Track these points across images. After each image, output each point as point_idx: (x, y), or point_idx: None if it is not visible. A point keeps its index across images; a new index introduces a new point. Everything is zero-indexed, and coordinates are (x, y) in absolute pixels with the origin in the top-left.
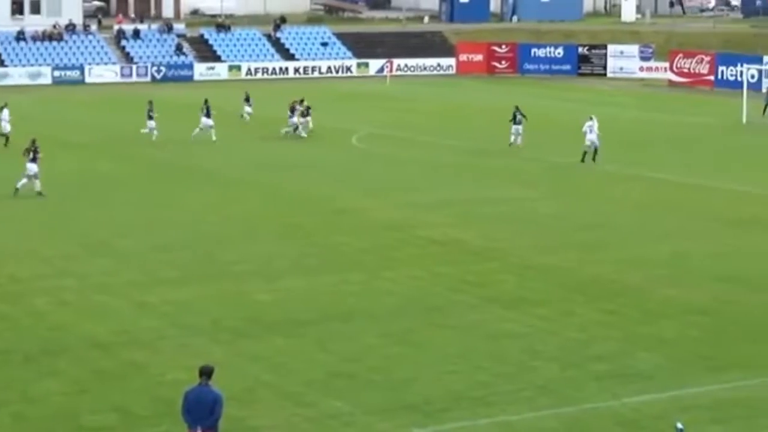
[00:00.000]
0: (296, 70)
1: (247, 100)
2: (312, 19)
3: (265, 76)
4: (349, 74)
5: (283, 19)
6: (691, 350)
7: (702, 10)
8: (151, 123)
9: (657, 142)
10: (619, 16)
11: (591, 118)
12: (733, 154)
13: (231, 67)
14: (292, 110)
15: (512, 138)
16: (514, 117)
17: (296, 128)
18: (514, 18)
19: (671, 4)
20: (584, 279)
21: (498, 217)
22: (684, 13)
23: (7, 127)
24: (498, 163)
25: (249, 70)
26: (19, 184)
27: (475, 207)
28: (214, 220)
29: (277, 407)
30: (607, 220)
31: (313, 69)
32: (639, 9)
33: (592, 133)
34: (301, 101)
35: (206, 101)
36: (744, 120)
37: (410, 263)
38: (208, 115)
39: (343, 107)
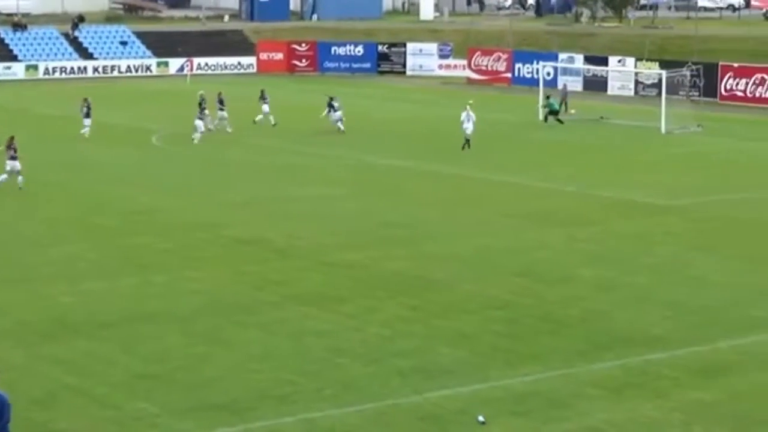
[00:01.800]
0: (95, 70)
1: (263, 98)
2: (111, 18)
3: (64, 75)
4: (149, 73)
5: (81, 18)
6: (491, 344)
7: (499, 8)
8: (87, 120)
9: (456, 139)
10: (418, 14)
11: (467, 107)
12: (529, 150)
13: (28, 67)
14: (221, 102)
15: (337, 125)
16: (332, 107)
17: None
18: (314, 17)
19: (469, 2)
20: (387, 275)
21: (302, 215)
22: (481, 10)
23: None
24: (301, 161)
25: (47, 69)
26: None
27: (279, 205)
28: (15, 223)
29: (81, 410)
30: (409, 217)
31: (113, 68)
32: (437, 7)
33: (469, 121)
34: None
35: (220, 94)
36: (540, 116)
37: (214, 263)
38: (222, 108)
39: (144, 107)
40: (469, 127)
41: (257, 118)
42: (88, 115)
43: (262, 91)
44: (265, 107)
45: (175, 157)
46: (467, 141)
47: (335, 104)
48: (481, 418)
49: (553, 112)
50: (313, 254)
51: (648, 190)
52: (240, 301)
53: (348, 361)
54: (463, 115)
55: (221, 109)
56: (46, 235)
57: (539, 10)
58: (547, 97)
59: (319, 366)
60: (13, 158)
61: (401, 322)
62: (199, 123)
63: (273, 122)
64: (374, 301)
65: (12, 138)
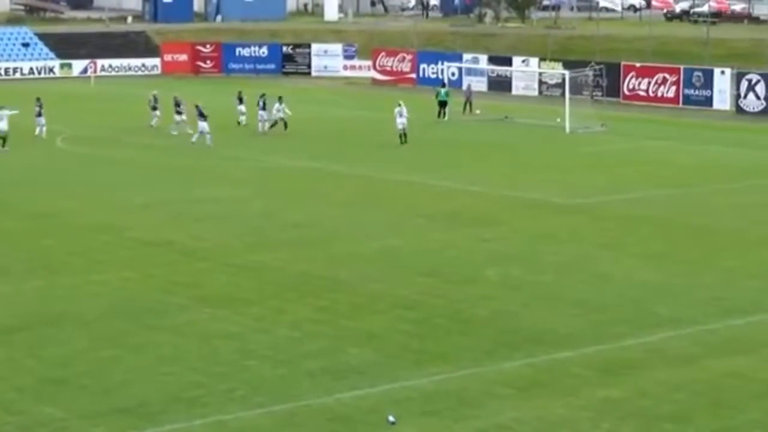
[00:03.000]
0: None
1: (240, 100)
2: (12, 20)
3: None
4: (52, 75)
5: None
6: (400, 344)
7: (403, 9)
8: (42, 120)
9: (362, 139)
10: (323, 15)
11: (399, 104)
12: (435, 150)
13: None
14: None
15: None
16: (262, 103)
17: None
18: (219, 17)
19: (373, 3)
20: (295, 276)
21: (208, 216)
22: (386, 12)
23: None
24: (206, 164)
25: None
26: None
27: (184, 207)
28: None
29: None
30: (316, 218)
31: (15, 70)
32: (341, 8)
33: (402, 117)
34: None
35: (176, 97)
36: (446, 117)
37: (121, 265)
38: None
39: (47, 109)
40: (402, 122)
41: (241, 119)
42: (40, 114)
43: (239, 92)
44: (242, 107)
45: (80, 159)
46: (403, 135)
47: (260, 101)
48: (391, 419)
49: (442, 104)
50: (219, 256)
51: (553, 189)
52: (147, 303)
53: (257, 363)
54: (396, 111)
55: (178, 113)
56: None
57: (426, 11)
58: (443, 84)
59: (228, 368)
60: None
61: (310, 324)
62: (203, 125)
63: (244, 123)
64: (282, 302)
65: None
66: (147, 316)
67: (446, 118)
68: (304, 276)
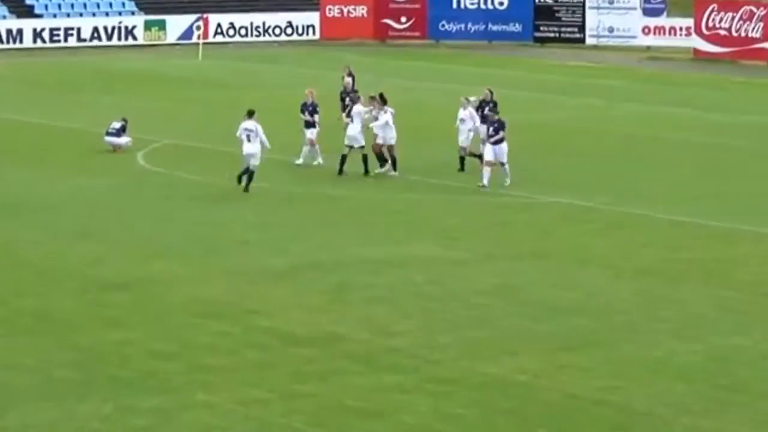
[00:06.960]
0: (38, 36)
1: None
2: None
3: None
4: (131, 42)
5: None
6: None
7: None
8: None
9: (672, 158)
10: None
11: (467, 101)
12: None
13: None
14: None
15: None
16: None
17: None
18: None
19: None
20: (556, 401)
21: (397, 293)
22: None
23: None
24: (391, 198)
25: None
26: None
27: (356, 276)
28: None
29: None
30: (590, 298)
31: (68, 33)
32: None
33: (472, 122)
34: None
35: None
36: None
37: (245, 377)
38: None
39: (123, 101)
40: (467, 132)
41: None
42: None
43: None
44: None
45: (175, 188)
46: (471, 156)
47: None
48: None
49: None
50: (420, 363)
51: None
52: None
53: None
54: (463, 113)
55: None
56: None
57: None
58: None
59: None
60: None
61: None
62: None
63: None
64: None
65: None
66: None
67: None
68: (570, 401)
